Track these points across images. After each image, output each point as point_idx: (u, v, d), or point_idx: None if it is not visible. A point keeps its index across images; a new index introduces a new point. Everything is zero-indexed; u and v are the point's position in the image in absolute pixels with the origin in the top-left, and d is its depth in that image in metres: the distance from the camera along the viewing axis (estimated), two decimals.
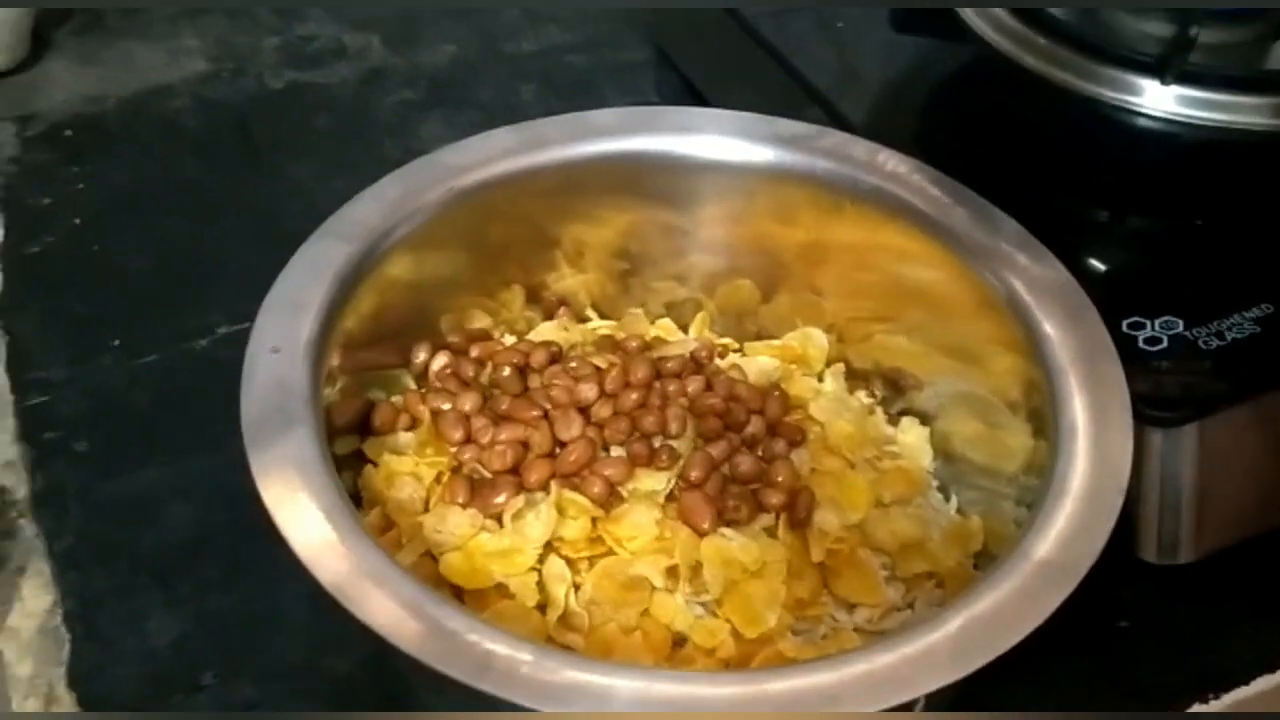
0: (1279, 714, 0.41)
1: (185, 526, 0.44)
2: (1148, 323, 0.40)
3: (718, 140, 0.43)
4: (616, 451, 0.38)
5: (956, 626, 0.29)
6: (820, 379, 0.44)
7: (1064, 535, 0.31)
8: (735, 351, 0.45)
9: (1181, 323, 0.40)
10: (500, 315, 0.44)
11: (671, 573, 0.36)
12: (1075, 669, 0.40)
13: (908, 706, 0.34)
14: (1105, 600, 0.40)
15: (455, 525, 0.36)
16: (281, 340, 0.36)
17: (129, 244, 0.54)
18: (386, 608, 0.30)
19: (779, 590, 0.36)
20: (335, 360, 0.38)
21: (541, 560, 0.36)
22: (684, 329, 0.46)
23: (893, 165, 0.42)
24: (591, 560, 0.36)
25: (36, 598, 0.42)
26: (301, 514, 0.32)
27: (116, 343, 0.50)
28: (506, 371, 0.40)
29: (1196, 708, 0.39)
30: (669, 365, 0.41)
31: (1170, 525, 0.39)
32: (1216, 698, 0.39)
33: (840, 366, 0.44)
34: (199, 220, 0.55)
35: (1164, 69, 0.43)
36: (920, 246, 0.41)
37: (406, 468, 0.38)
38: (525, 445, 0.38)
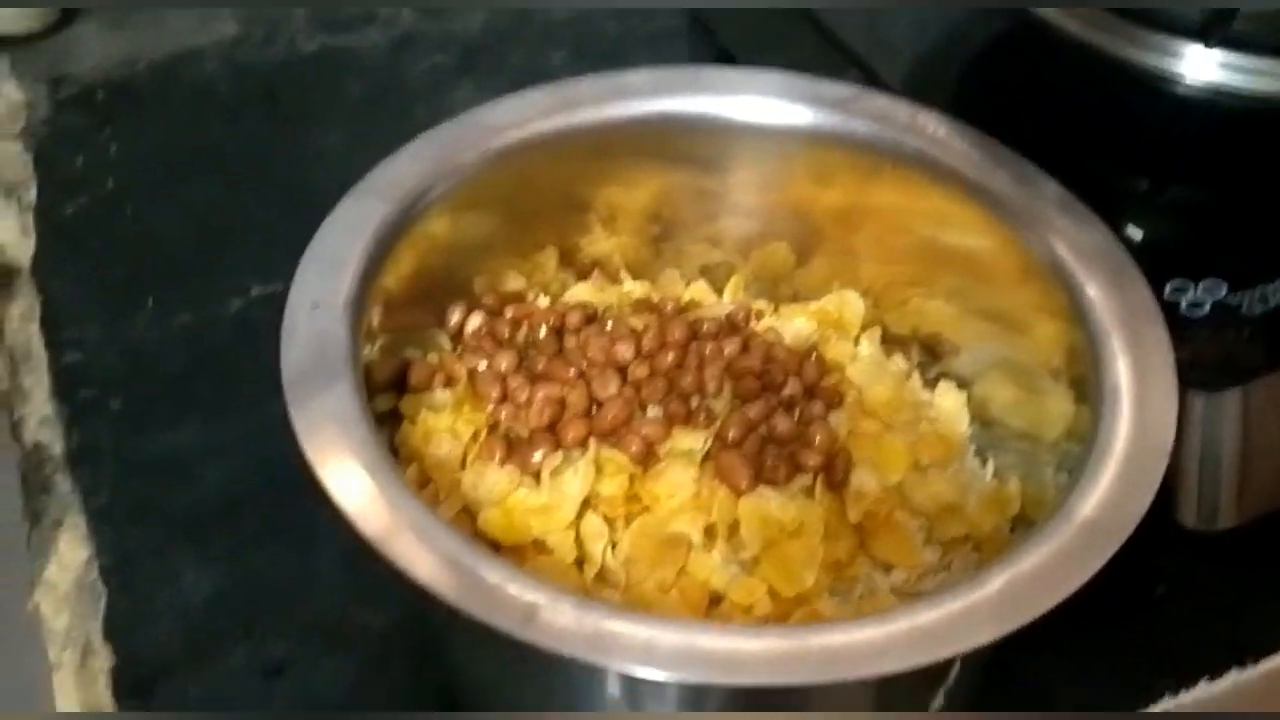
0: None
1: (220, 485, 0.44)
2: (1191, 287, 0.40)
3: (755, 101, 0.43)
4: (653, 411, 0.38)
5: (999, 585, 0.29)
6: (856, 343, 0.44)
7: (1107, 497, 0.31)
8: (771, 315, 0.45)
9: (1225, 287, 0.40)
10: (534, 277, 0.44)
11: (709, 531, 0.36)
12: (1110, 637, 0.40)
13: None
14: (1142, 567, 0.40)
15: (493, 482, 0.36)
16: (321, 296, 0.36)
17: (161, 206, 0.54)
18: (428, 560, 0.30)
19: (816, 550, 0.36)
20: (374, 318, 0.38)
21: (579, 518, 0.36)
22: (719, 292, 0.46)
23: (933, 127, 0.41)
24: (628, 518, 0.36)
25: (73, 552, 0.42)
26: (343, 469, 0.32)
27: (150, 303, 0.50)
28: (543, 331, 0.40)
29: (1234, 674, 0.39)
30: (705, 326, 0.40)
31: (1210, 491, 0.39)
32: (1254, 664, 0.39)
33: (876, 331, 0.44)
34: (230, 184, 0.55)
35: (1207, 33, 0.42)
36: (961, 210, 0.40)
37: (444, 425, 0.38)
38: (562, 404, 0.38)
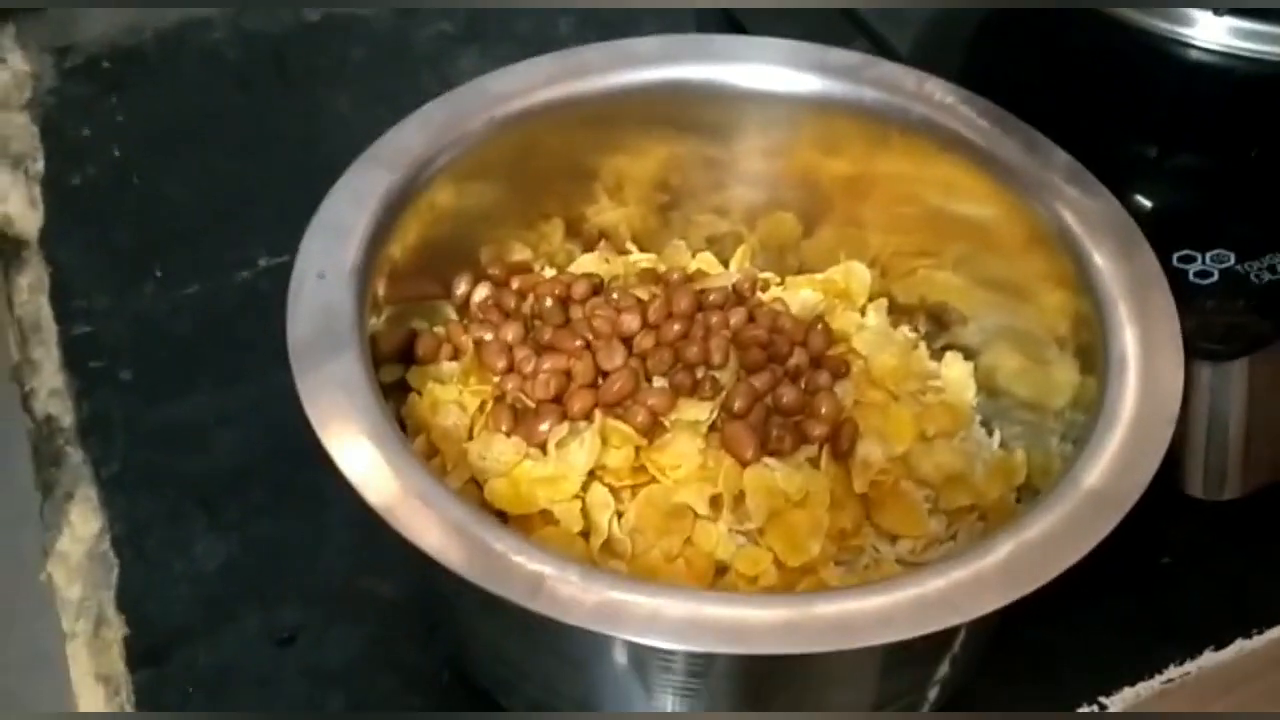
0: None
1: (230, 454, 0.44)
2: (1199, 256, 0.40)
3: (762, 69, 0.43)
4: (659, 382, 0.38)
5: (1006, 553, 0.29)
6: (863, 313, 0.44)
7: (1113, 466, 0.31)
8: (777, 285, 0.45)
9: (1233, 256, 0.39)
10: (540, 248, 0.44)
11: (714, 501, 0.36)
12: (1117, 605, 0.40)
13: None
14: (1149, 536, 0.40)
15: (500, 452, 0.36)
16: (327, 265, 0.36)
17: (169, 175, 0.54)
18: (435, 529, 0.30)
19: (822, 520, 0.36)
20: (379, 287, 0.38)
21: (585, 488, 0.36)
22: (725, 263, 0.46)
23: (941, 95, 0.41)
24: (635, 489, 0.36)
25: (85, 523, 0.42)
26: (348, 436, 0.32)
27: (159, 273, 0.50)
28: (549, 302, 0.40)
29: (1239, 644, 0.39)
30: (711, 297, 0.40)
31: (1217, 460, 0.39)
32: (1260, 633, 0.39)
33: (883, 301, 0.44)
34: (237, 152, 0.55)
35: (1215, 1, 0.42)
36: (969, 178, 0.40)
37: (450, 396, 0.38)
38: (568, 375, 0.38)
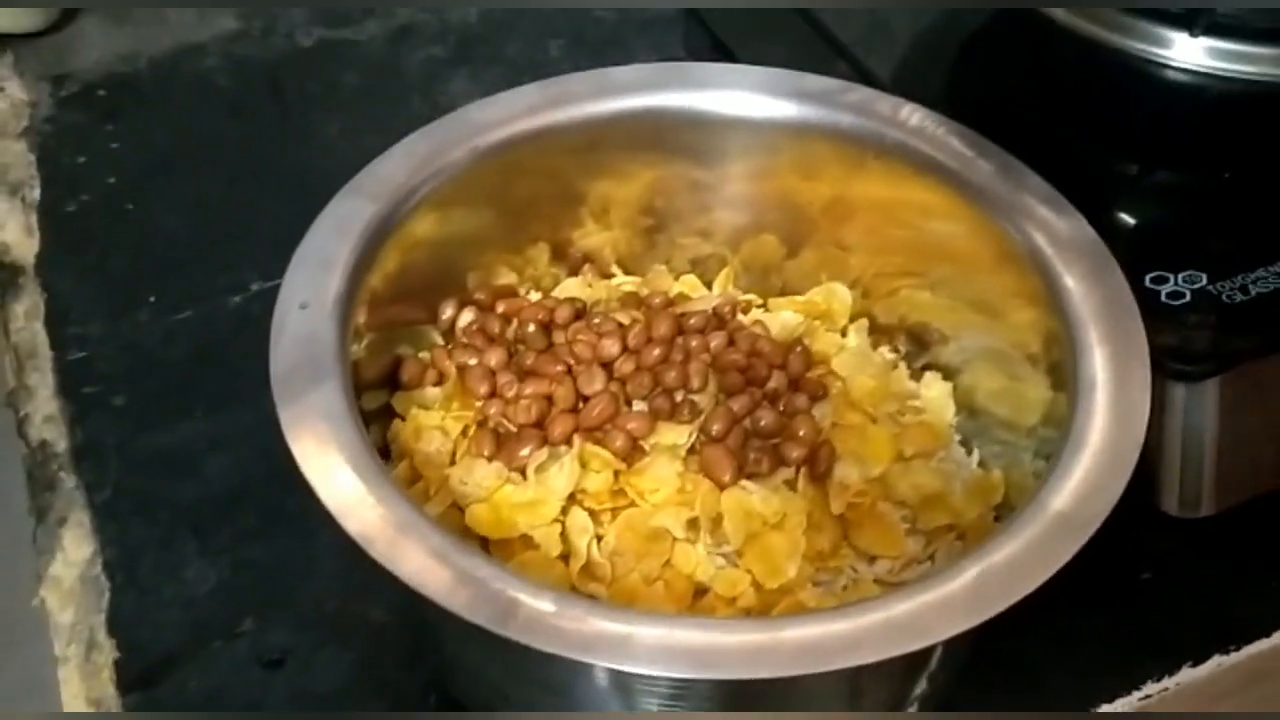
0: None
1: (221, 478, 0.45)
2: (1171, 276, 0.40)
3: (742, 96, 0.43)
4: (639, 406, 0.39)
5: (972, 576, 0.30)
6: (844, 334, 0.44)
7: (1080, 489, 0.32)
8: (759, 307, 0.45)
9: (1205, 276, 0.40)
10: (525, 272, 0.45)
11: (693, 524, 0.37)
12: (1097, 621, 0.41)
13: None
14: (1128, 552, 0.41)
15: (481, 477, 0.37)
16: (310, 296, 0.36)
17: (163, 202, 0.54)
18: (413, 557, 0.31)
19: (799, 541, 0.36)
20: (362, 316, 0.38)
21: (565, 512, 0.37)
22: (709, 285, 0.46)
23: (917, 120, 0.42)
24: (614, 512, 0.37)
25: (77, 548, 0.43)
26: (329, 466, 0.32)
27: (153, 299, 0.51)
28: (531, 328, 0.41)
29: (1217, 660, 0.40)
30: (691, 321, 0.41)
31: (1192, 478, 0.39)
32: (1237, 649, 0.40)
33: (864, 322, 0.44)
34: (232, 178, 0.56)
35: (1193, 20, 0.42)
36: (944, 201, 0.41)
37: (434, 421, 0.39)
38: (549, 400, 0.39)
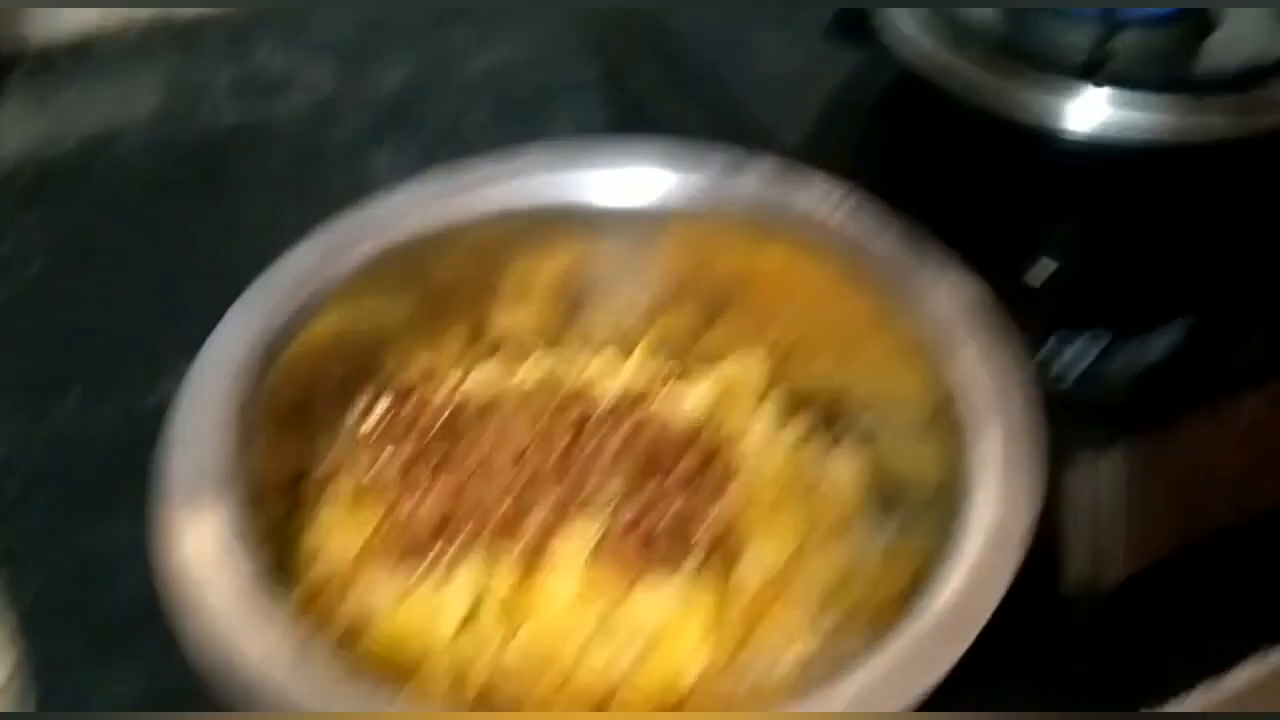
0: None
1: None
2: (1073, 338, 0.41)
3: (644, 171, 0.44)
4: (545, 502, 0.39)
5: (850, 695, 0.30)
6: (758, 405, 0.44)
7: (963, 588, 0.32)
8: (677, 378, 0.45)
9: (1104, 342, 0.40)
10: (440, 359, 0.45)
11: (600, 624, 0.37)
12: (1014, 685, 0.41)
13: None
14: (1037, 625, 0.41)
15: (383, 590, 0.37)
16: (205, 411, 0.36)
17: (87, 293, 0.54)
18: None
19: (708, 635, 0.36)
20: (267, 422, 0.38)
21: (471, 615, 0.37)
22: (629, 354, 0.46)
23: (819, 191, 0.42)
24: (520, 613, 0.37)
25: None
26: (209, 611, 0.33)
27: (76, 395, 0.50)
28: (440, 422, 0.41)
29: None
30: (600, 410, 0.41)
31: (1099, 545, 0.39)
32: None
33: (777, 395, 0.44)
34: (157, 264, 0.55)
35: (1091, 71, 0.43)
36: (843, 274, 0.41)
37: (340, 521, 0.39)
38: (457, 497, 0.39)
